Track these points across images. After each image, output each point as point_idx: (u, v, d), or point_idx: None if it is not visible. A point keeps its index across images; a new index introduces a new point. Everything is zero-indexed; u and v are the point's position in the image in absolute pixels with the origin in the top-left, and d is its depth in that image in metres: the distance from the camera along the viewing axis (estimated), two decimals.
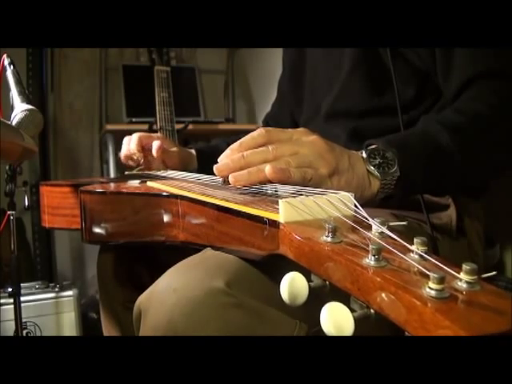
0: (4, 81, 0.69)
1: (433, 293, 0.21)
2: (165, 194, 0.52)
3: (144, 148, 0.83)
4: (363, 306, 0.25)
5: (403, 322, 0.22)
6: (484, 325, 0.19)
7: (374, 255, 0.25)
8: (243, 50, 2.13)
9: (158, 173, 0.78)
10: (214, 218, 0.43)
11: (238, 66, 2.19)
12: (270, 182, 0.45)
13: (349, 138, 0.71)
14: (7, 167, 0.97)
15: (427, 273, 0.23)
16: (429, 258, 0.25)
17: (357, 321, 0.24)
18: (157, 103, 1.61)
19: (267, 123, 1.00)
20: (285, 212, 0.34)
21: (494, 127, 0.56)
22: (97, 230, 0.56)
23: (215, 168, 0.47)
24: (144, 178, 0.72)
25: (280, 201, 0.35)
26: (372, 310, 0.24)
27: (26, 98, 0.64)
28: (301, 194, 0.39)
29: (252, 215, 0.38)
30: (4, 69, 0.69)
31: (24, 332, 1.17)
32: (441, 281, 0.21)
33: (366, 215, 0.33)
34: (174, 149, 0.84)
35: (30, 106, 0.61)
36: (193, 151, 0.90)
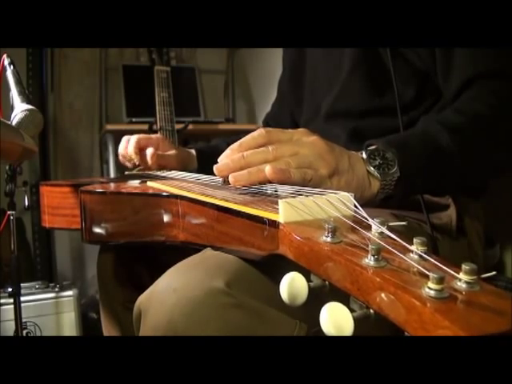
0: (4, 81, 0.69)
1: (432, 293, 0.21)
2: (165, 194, 0.52)
3: (142, 150, 0.83)
4: (363, 306, 0.25)
5: (403, 322, 0.22)
6: (483, 325, 0.19)
7: (373, 255, 0.25)
8: (243, 50, 2.13)
9: (158, 173, 0.78)
10: (214, 218, 0.43)
11: (237, 65, 2.19)
12: (270, 182, 0.45)
13: (349, 138, 0.71)
14: (7, 167, 0.97)
15: (427, 273, 0.23)
16: (428, 258, 0.25)
17: (356, 321, 0.24)
18: (157, 103, 1.61)
19: (267, 123, 1.00)
20: (284, 212, 0.34)
21: (493, 127, 0.56)
22: (97, 229, 0.56)
23: (215, 168, 0.47)
24: (144, 177, 0.72)
25: (280, 201, 0.35)
26: (371, 310, 0.24)
27: (26, 98, 0.64)
28: (300, 194, 0.39)
29: (252, 215, 0.38)
30: (4, 69, 0.69)
31: (24, 332, 1.17)
32: (440, 281, 0.21)
33: (365, 215, 0.33)
34: (171, 152, 0.84)
35: (29, 106, 0.61)
36: (193, 151, 0.90)
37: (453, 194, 0.65)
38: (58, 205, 0.76)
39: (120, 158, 0.86)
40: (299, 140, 0.48)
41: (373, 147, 0.52)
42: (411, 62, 0.67)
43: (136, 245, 0.58)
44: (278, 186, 0.46)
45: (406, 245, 0.27)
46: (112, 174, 1.71)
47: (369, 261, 0.25)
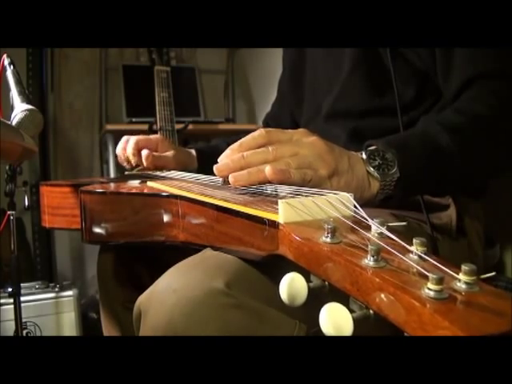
0: (4, 81, 0.69)
1: (432, 293, 0.21)
2: (164, 194, 0.52)
3: (141, 151, 0.83)
4: (362, 306, 0.25)
5: (402, 323, 0.22)
6: (483, 326, 0.19)
7: (372, 256, 0.25)
8: (243, 50, 2.13)
9: (158, 173, 0.78)
10: (214, 218, 0.43)
11: (237, 65, 2.19)
12: (270, 182, 0.45)
13: (349, 138, 0.71)
14: (7, 167, 0.97)
15: (426, 273, 0.23)
16: (428, 258, 0.25)
17: (356, 321, 0.24)
18: (157, 103, 1.61)
19: (267, 123, 1.00)
20: (284, 212, 0.34)
21: (493, 127, 0.56)
22: (97, 230, 0.56)
23: (215, 168, 0.47)
24: (144, 177, 0.72)
25: (279, 201, 0.35)
26: (371, 311, 0.24)
27: (26, 98, 0.64)
28: (300, 195, 0.39)
29: (251, 215, 0.38)
30: (4, 69, 0.69)
31: (24, 332, 1.17)
32: (440, 281, 0.21)
33: (365, 215, 0.33)
34: (168, 153, 0.83)
35: (29, 106, 0.61)
36: (193, 151, 0.90)
37: (453, 194, 0.65)
38: (58, 205, 0.76)
39: (118, 158, 0.86)
40: (299, 140, 0.48)
41: (372, 148, 0.52)
42: (411, 62, 0.67)
43: (136, 245, 0.58)
44: (278, 186, 0.46)
45: (406, 245, 0.27)
46: (112, 174, 1.71)
47: (368, 261, 0.25)
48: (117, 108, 1.93)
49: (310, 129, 0.51)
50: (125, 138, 0.85)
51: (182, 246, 0.49)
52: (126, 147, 0.83)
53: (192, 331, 0.38)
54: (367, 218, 0.32)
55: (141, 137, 0.83)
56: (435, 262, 0.25)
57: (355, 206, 0.36)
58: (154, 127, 1.59)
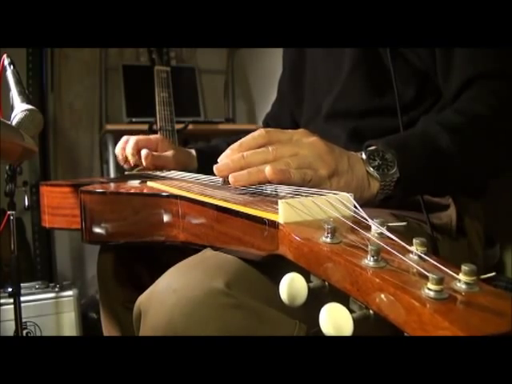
0: (4, 81, 0.69)
1: (432, 294, 0.21)
2: (164, 194, 0.52)
3: (141, 151, 0.83)
4: (362, 306, 0.25)
5: (402, 323, 0.22)
6: (483, 326, 0.19)
7: (372, 256, 0.25)
8: (243, 50, 2.13)
9: (158, 173, 0.78)
10: (214, 219, 0.43)
11: (237, 65, 2.19)
12: (270, 182, 0.45)
13: (349, 138, 0.71)
14: (7, 167, 0.97)
15: (426, 274, 0.23)
16: (428, 258, 0.25)
17: (356, 321, 0.24)
18: (157, 103, 1.61)
19: (267, 123, 1.00)
20: (284, 212, 0.34)
21: (493, 128, 0.56)
22: (97, 230, 0.56)
23: (215, 168, 0.48)
24: (144, 177, 0.72)
25: (279, 201, 0.35)
26: (371, 311, 0.24)
27: (26, 98, 0.64)
28: (300, 195, 0.39)
29: (251, 216, 0.38)
30: (4, 69, 0.69)
31: (24, 332, 1.17)
32: (440, 282, 0.21)
33: (365, 216, 0.33)
34: (168, 153, 0.83)
35: (29, 106, 0.61)
36: (192, 151, 0.90)
37: (453, 194, 0.65)
38: (58, 205, 0.76)
39: (118, 158, 0.86)
40: (299, 140, 0.48)
41: (372, 148, 0.52)
42: (411, 62, 0.67)
43: (136, 245, 0.58)
44: (278, 187, 0.46)
45: (406, 245, 0.27)
46: (112, 174, 1.71)
47: (368, 261, 0.25)
48: (117, 108, 1.93)
49: (309, 129, 0.51)
50: (124, 137, 0.85)
51: (182, 246, 0.49)
52: (125, 147, 0.83)
53: (192, 331, 0.38)
54: (367, 218, 0.32)
55: (141, 137, 0.83)
56: (435, 262, 0.25)
57: (355, 206, 0.36)
58: (154, 127, 1.59)
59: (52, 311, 1.25)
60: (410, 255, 0.26)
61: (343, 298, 0.26)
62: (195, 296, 0.38)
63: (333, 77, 0.76)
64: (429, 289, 0.22)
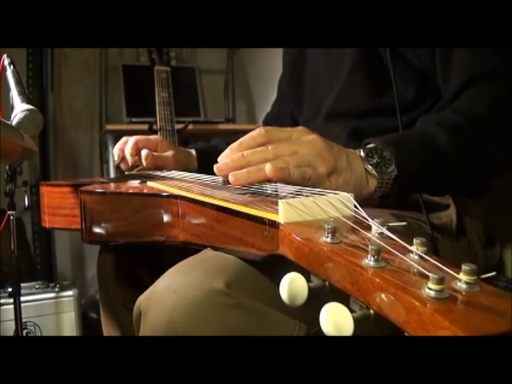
0: (4, 81, 0.69)
1: (432, 293, 0.21)
2: (164, 194, 0.52)
3: (141, 151, 0.82)
4: (363, 306, 0.25)
5: (403, 323, 0.22)
6: (483, 325, 0.19)
7: (373, 256, 0.25)
8: (243, 50, 2.13)
9: (158, 173, 0.78)
10: (214, 219, 0.43)
11: (237, 65, 2.19)
12: (270, 181, 0.45)
13: (349, 138, 0.71)
14: (7, 167, 0.97)
15: (427, 273, 0.23)
16: (428, 258, 0.25)
17: (356, 321, 0.24)
18: (157, 103, 1.60)
19: (267, 123, 1.00)
20: (284, 212, 0.34)
21: (492, 128, 0.56)
22: (97, 230, 0.56)
23: (215, 167, 0.48)
24: (144, 177, 0.72)
25: (280, 201, 0.35)
26: (371, 311, 0.24)
27: (26, 98, 0.64)
28: (300, 195, 0.39)
29: (252, 216, 0.38)
30: (4, 69, 0.69)
31: (24, 332, 1.17)
32: (440, 281, 0.21)
33: (365, 216, 0.33)
34: (168, 153, 0.83)
35: (29, 106, 0.61)
36: (192, 151, 0.90)
37: (453, 194, 0.65)
38: (58, 205, 0.76)
39: (115, 159, 0.86)
40: (298, 139, 0.48)
41: (371, 146, 0.52)
42: (411, 62, 0.67)
43: (136, 245, 0.58)
44: (278, 186, 0.46)
45: (406, 245, 0.27)
46: (112, 174, 1.71)
47: (369, 261, 0.25)
48: (117, 108, 1.93)
49: (309, 128, 0.51)
50: (124, 138, 0.85)
51: (182, 246, 0.49)
52: (123, 148, 0.83)
53: (192, 331, 0.38)
54: (367, 218, 0.32)
55: (140, 137, 0.83)
56: (436, 262, 0.25)
57: (355, 206, 0.36)
58: (154, 127, 1.59)
59: (52, 311, 1.25)
60: (411, 255, 0.26)
61: (343, 298, 0.26)
62: (195, 296, 0.38)
63: (333, 77, 0.76)
64: (429, 288, 0.22)
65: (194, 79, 2.02)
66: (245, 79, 2.18)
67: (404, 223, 0.31)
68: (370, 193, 0.50)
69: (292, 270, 0.29)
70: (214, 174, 0.49)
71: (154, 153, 0.81)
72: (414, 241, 0.27)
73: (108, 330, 0.78)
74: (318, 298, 0.28)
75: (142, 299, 0.43)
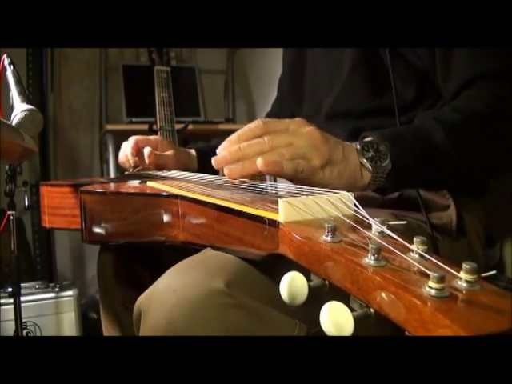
0: (4, 81, 0.69)
1: (433, 292, 0.21)
2: (165, 194, 0.52)
3: (141, 151, 0.83)
4: (363, 305, 0.25)
5: (403, 322, 0.22)
6: (484, 324, 0.19)
7: (373, 254, 0.25)
8: (243, 50, 2.13)
9: (158, 173, 0.78)
10: (214, 218, 0.43)
11: (237, 65, 2.19)
12: (263, 174, 0.45)
13: (349, 138, 0.71)
14: (7, 167, 0.97)
15: (427, 272, 0.23)
16: (429, 257, 0.25)
17: (357, 320, 0.24)
18: (157, 103, 1.60)
19: None
20: (284, 212, 0.34)
21: (491, 126, 0.56)
22: (97, 230, 0.56)
23: (213, 160, 0.48)
24: (144, 177, 0.72)
25: (280, 200, 0.35)
26: (372, 310, 0.24)
27: (26, 98, 0.64)
28: (301, 194, 0.39)
29: (252, 215, 0.38)
30: (4, 69, 0.69)
31: (24, 332, 1.17)
32: (441, 280, 0.21)
33: (365, 215, 0.33)
34: (169, 152, 0.83)
35: (29, 106, 0.61)
36: (192, 151, 0.90)
37: (451, 193, 0.65)
38: (58, 205, 0.76)
39: (120, 162, 0.86)
40: (296, 130, 0.48)
41: (367, 139, 0.52)
42: (411, 62, 0.67)
43: (136, 245, 0.58)
44: (278, 185, 0.46)
45: (407, 244, 0.27)
46: (112, 174, 1.71)
47: (369, 260, 0.25)
48: (117, 108, 1.93)
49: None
50: (125, 143, 0.84)
51: (182, 246, 0.49)
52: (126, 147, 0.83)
53: (192, 331, 0.38)
54: (368, 217, 0.32)
55: (140, 137, 0.83)
56: (436, 261, 0.25)
57: (356, 205, 0.36)
58: (154, 127, 1.59)
59: (52, 311, 1.25)
60: (411, 254, 0.26)
61: (344, 297, 0.26)
62: (195, 296, 0.38)
63: (333, 77, 0.76)
64: (430, 287, 0.22)
65: (194, 79, 2.02)
66: (245, 79, 2.18)
67: (404, 222, 0.31)
68: (364, 186, 0.51)
69: (292, 270, 0.29)
70: (214, 174, 0.49)
71: (156, 151, 0.81)
72: (415, 240, 0.27)
73: (108, 330, 0.78)
74: (318, 297, 0.28)
75: (142, 299, 0.43)
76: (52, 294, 1.26)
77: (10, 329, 1.11)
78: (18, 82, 0.68)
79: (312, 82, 0.83)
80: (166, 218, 0.51)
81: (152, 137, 0.86)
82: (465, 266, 0.22)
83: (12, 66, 0.70)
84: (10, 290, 1.00)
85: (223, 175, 0.48)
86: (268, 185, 0.48)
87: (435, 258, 0.25)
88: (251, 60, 2.10)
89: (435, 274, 0.22)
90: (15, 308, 1.01)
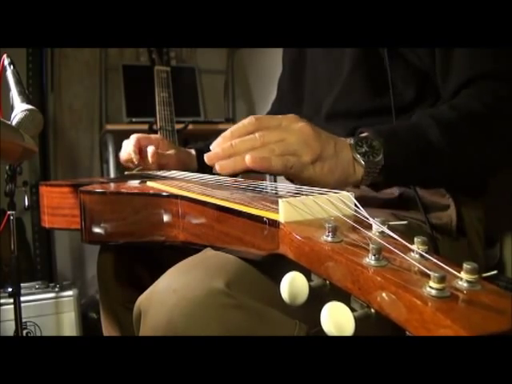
0: (4, 81, 0.69)
1: (433, 292, 0.21)
2: (164, 194, 0.52)
3: (142, 149, 0.83)
4: (364, 305, 0.25)
5: (404, 322, 0.22)
6: (485, 324, 0.19)
7: (374, 255, 0.25)
8: (243, 50, 2.13)
9: (158, 173, 0.78)
10: (214, 218, 0.43)
11: (237, 65, 2.19)
12: (252, 170, 0.45)
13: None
14: (7, 167, 0.97)
15: (428, 272, 0.23)
16: (429, 257, 0.25)
17: (357, 320, 0.24)
18: (157, 103, 1.60)
19: None
20: (285, 212, 0.34)
21: (488, 126, 0.56)
22: (97, 230, 0.56)
23: (206, 156, 0.48)
24: (144, 177, 0.72)
25: (280, 200, 0.35)
26: (372, 310, 0.24)
27: (26, 98, 0.64)
28: (301, 194, 0.39)
29: (252, 215, 0.38)
30: (4, 69, 0.69)
31: (24, 332, 1.17)
32: (441, 280, 0.21)
33: (366, 215, 0.33)
34: (171, 151, 0.83)
35: (29, 106, 0.61)
36: (192, 151, 0.90)
37: (452, 194, 0.65)
38: (58, 205, 0.76)
39: (121, 161, 0.86)
40: (288, 126, 0.49)
41: (362, 135, 0.52)
42: (411, 62, 0.67)
43: (136, 245, 0.58)
44: (278, 185, 0.46)
45: (407, 244, 0.27)
46: (112, 174, 1.71)
47: (370, 260, 0.25)
48: (117, 108, 1.92)
49: None
50: (126, 140, 0.84)
51: (182, 246, 0.49)
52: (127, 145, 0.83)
53: (192, 331, 0.38)
54: (368, 217, 0.32)
55: (141, 135, 0.83)
56: (437, 261, 0.25)
57: (356, 205, 0.36)
58: (154, 127, 1.59)
59: (52, 311, 1.25)
60: (412, 254, 0.26)
61: (344, 297, 0.26)
62: (195, 296, 0.38)
63: (333, 77, 0.76)
64: (430, 287, 0.22)
65: (194, 79, 2.02)
66: (245, 79, 2.18)
67: (404, 222, 0.31)
68: (357, 181, 0.51)
69: (292, 270, 0.29)
70: (214, 174, 0.49)
71: (159, 151, 0.81)
72: (415, 240, 0.27)
73: (108, 330, 0.78)
74: (318, 297, 0.27)
75: (142, 299, 0.43)
76: (52, 294, 1.26)
77: (9, 329, 1.11)
78: (18, 82, 0.68)
79: (312, 82, 0.83)
80: (165, 218, 0.51)
81: (153, 135, 0.86)
82: (465, 266, 0.22)
83: (12, 66, 0.70)
84: (10, 289, 1.00)
85: (215, 171, 0.48)
86: (268, 185, 0.48)
87: (436, 258, 0.25)
88: (251, 60, 2.10)
89: (436, 274, 0.22)
90: (15, 308, 1.01)
